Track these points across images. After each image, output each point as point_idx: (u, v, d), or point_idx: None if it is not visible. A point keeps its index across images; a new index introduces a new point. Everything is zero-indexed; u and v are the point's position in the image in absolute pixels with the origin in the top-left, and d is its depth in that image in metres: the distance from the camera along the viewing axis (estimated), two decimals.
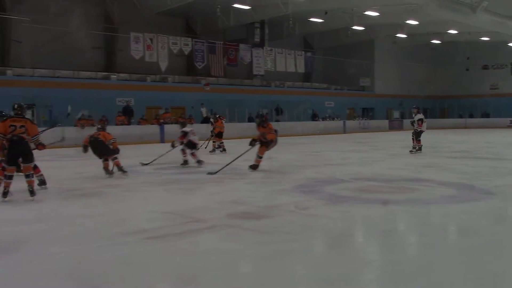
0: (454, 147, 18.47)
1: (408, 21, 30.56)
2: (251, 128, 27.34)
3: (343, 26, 31.77)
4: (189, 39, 28.16)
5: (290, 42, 34.31)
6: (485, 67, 41.18)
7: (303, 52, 34.23)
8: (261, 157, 10.74)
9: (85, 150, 10.21)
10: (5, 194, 7.35)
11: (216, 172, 10.13)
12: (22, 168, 7.68)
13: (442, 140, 23.10)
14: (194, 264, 4.33)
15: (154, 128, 23.23)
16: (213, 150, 16.38)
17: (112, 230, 5.54)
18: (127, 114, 23.98)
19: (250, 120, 28.97)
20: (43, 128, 11.35)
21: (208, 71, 29.17)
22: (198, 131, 17.90)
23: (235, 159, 10.73)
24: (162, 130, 23.08)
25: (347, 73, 37.54)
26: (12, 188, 7.47)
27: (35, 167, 8.17)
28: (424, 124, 15.37)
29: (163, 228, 5.61)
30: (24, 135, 7.49)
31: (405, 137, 15.75)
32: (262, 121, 11.13)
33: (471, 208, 6.75)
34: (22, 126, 7.47)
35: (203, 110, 25.69)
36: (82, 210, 6.82)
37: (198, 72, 29.27)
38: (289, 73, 33.11)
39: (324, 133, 29.86)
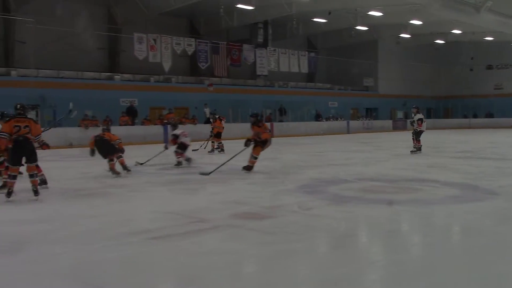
0: (458, 147, 18.42)
1: (411, 21, 30.52)
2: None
3: (347, 26, 31.74)
4: (193, 39, 28.20)
5: (294, 42, 34.29)
6: (489, 67, 41.09)
7: (306, 52, 34.21)
8: (256, 158, 10.52)
9: (93, 153, 10.36)
10: (9, 194, 7.37)
11: (210, 173, 10.09)
12: (26, 168, 7.70)
13: (446, 140, 23.05)
14: (198, 264, 4.33)
15: (157, 129, 23.26)
16: (212, 151, 16.38)
17: (116, 230, 5.55)
18: (130, 115, 24.03)
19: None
20: (45, 128, 11.39)
21: (212, 72, 29.20)
22: (201, 131, 18.05)
23: (229, 159, 10.71)
24: (165, 130, 23.06)
25: (351, 73, 37.51)
26: (15, 188, 7.49)
27: (37, 167, 8.19)
28: (424, 124, 15.32)
29: (166, 228, 5.61)
30: (29, 135, 7.52)
31: (408, 137, 15.70)
32: (257, 120, 10.91)
33: (475, 208, 6.73)
34: (27, 126, 7.51)
35: (207, 111, 25.71)
36: (85, 210, 6.83)
37: (201, 72, 29.30)
38: (292, 73, 33.11)
39: (328, 133, 29.84)
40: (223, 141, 16.75)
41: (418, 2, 26.39)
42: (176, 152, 12.05)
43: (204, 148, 16.83)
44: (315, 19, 30.55)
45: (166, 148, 12.18)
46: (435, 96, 42.89)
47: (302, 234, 5.35)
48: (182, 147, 12.02)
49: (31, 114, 20.44)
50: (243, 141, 10.74)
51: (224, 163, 10.48)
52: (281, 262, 4.36)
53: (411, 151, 14.90)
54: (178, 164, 11.96)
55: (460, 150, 16.60)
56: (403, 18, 30.15)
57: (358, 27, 31.93)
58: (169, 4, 25.23)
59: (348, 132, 31.97)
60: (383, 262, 4.50)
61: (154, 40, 26.07)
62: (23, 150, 7.46)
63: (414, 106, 16.39)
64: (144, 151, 12.38)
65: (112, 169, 10.25)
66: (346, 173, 10.33)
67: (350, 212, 6.41)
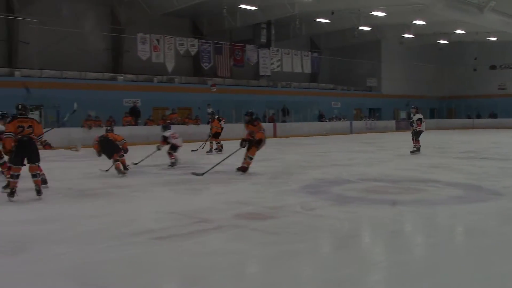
0: (462, 147, 18.40)
1: (415, 21, 30.46)
2: None
3: (350, 26, 31.69)
4: (196, 39, 28.22)
5: (297, 43, 34.27)
6: (493, 67, 40.99)
7: (309, 53, 34.18)
8: (252, 159, 10.38)
9: (100, 154, 10.50)
10: (13, 193, 7.40)
11: (203, 174, 10.08)
12: (29, 167, 7.73)
13: (449, 140, 23.02)
14: (201, 265, 4.34)
15: (160, 129, 23.24)
16: (210, 151, 16.35)
17: (119, 230, 5.56)
18: (134, 115, 24.05)
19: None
20: (47, 129, 11.44)
21: (215, 72, 29.20)
22: (205, 131, 18.03)
23: (222, 160, 10.72)
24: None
25: (354, 74, 37.47)
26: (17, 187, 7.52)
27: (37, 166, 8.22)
28: (423, 124, 15.30)
29: (170, 228, 5.62)
30: (33, 135, 7.56)
31: (410, 137, 15.65)
32: (252, 119, 10.66)
33: (479, 208, 6.71)
34: (30, 126, 7.55)
35: (209, 111, 25.71)
36: (89, 210, 6.85)
37: (204, 72, 29.31)
38: (295, 74, 33.09)
39: (331, 134, 29.81)
40: (224, 141, 16.74)
41: (421, 2, 26.34)
42: (169, 153, 12.10)
43: (202, 148, 16.83)
44: (318, 19, 30.53)
45: (158, 149, 12.17)
46: (439, 96, 42.81)
47: (305, 234, 5.35)
48: (174, 148, 12.08)
49: (34, 115, 20.55)
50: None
51: (217, 164, 10.48)
52: (284, 263, 4.36)
53: (411, 152, 14.89)
54: (172, 164, 12.00)
55: (463, 151, 16.57)
56: (407, 18, 30.10)
57: (361, 27, 31.89)
58: (172, 4, 25.24)
59: (351, 132, 31.93)
60: (386, 262, 4.50)
61: (157, 40, 26.09)
62: (27, 150, 7.50)
63: (413, 106, 16.36)
64: (147, 152, 12.39)
65: (117, 169, 10.32)
66: (349, 174, 10.32)
67: (353, 213, 6.41)
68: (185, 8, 25.73)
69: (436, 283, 3.86)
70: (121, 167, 10.40)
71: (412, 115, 15.67)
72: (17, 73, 22.35)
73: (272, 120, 29.80)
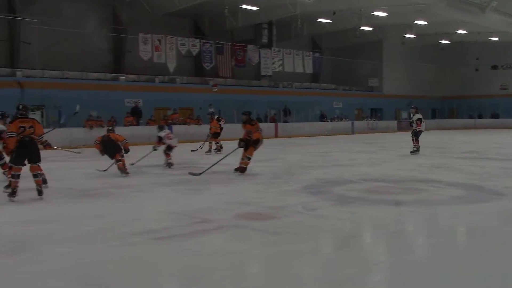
0: (463, 147, 18.37)
1: (416, 21, 30.44)
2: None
3: (351, 26, 31.67)
4: (197, 40, 28.23)
5: (298, 43, 34.26)
6: (495, 67, 40.93)
7: (311, 53, 34.16)
8: (250, 159, 10.30)
9: (103, 154, 10.57)
10: (14, 193, 7.42)
11: (200, 174, 10.08)
12: (30, 167, 7.75)
13: (451, 140, 22.99)
14: (202, 265, 4.33)
15: (156, 129, 23.25)
16: (209, 151, 16.31)
17: (120, 230, 5.56)
18: (135, 115, 24.07)
19: (258, 121, 28.94)
20: (49, 129, 11.49)
21: (216, 72, 29.21)
22: (206, 131, 18.01)
23: (220, 160, 10.72)
24: (170, 130, 23.10)
25: (355, 74, 37.46)
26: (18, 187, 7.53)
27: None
28: (423, 124, 15.28)
29: (171, 228, 5.62)
30: (34, 136, 7.59)
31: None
32: (250, 119, 10.55)
33: (480, 209, 6.70)
34: (31, 126, 7.58)
35: (212, 111, 25.73)
36: (90, 211, 6.85)
37: (206, 73, 29.32)
38: (297, 74, 33.07)
39: (332, 134, 29.81)
40: (225, 141, 16.72)
41: (423, 2, 26.31)
42: (166, 153, 12.12)
43: (201, 148, 16.82)
44: (319, 20, 30.52)
45: (154, 149, 12.16)
46: (440, 96, 42.78)
47: (307, 234, 5.34)
48: (170, 148, 12.12)
49: (36, 115, 20.58)
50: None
51: (214, 164, 10.48)
52: (286, 263, 4.35)
53: (411, 152, 14.87)
54: (169, 164, 12.03)
55: (465, 151, 16.55)
56: (408, 18, 30.08)
57: (363, 28, 31.87)
58: (174, 4, 25.27)
59: (352, 132, 31.92)
60: (387, 263, 4.49)
61: (159, 40, 26.11)
62: (28, 150, 7.52)
63: (412, 106, 16.35)
64: (149, 152, 12.41)
65: (120, 169, 10.36)
66: (351, 174, 10.31)
67: (354, 213, 6.40)
68: (186, 8, 25.76)
69: (437, 283, 3.85)
70: (124, 167, 10.42)
71: (411, 115, 15.65)
72: (18, 73, 22.37)
73: (273, 120, 29.81)
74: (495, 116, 39.00)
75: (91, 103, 21.91)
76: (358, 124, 33.64)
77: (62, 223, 6.07)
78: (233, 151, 10.72)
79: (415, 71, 39.40)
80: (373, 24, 31.61)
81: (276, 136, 27.42)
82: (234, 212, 6.45)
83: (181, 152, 16.04)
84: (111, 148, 10.55)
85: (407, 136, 15.57)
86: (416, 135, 15.09)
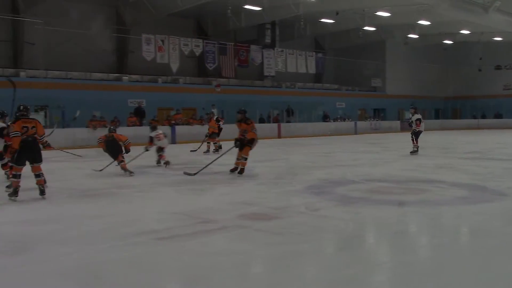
0: (467, 148, 18.34)
1: (419, 22, 30.36)
2: (262, 129, 27.35)
3: (354, 26, 31.63)
4: (200, 40, 28.24)
5: (301, 43, 34.25)
6: (498, 68, 40.80)
7: (314, 53, 34.13)
8: (246, 159, 10.20)
9: (106, 151, 10.73)
10: (16, 193, 7.46)
11: (195, 174, 10.09)
12: (32, 167, 7.80)
13: (454, 140, 22.95)
14: (205, 265, 4.34)
15: (165, 129, 23.26)
16: (207, 151, 16.27)
17: (123, 230, 5.57)
18: (138, 115, 24.10)
19: (261, 121, 29.01)
20: (51, 129, 11.58)
21: (219, 72, 29.22)
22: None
23: (215, 160, 10.77)
24: (173, 131, 23.17)
25: (358, 74, 37.41)
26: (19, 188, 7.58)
27: None
28: (422, 124, 15.26)
29: (173, 228, 5.63)
30: (36, 136, 7.65)
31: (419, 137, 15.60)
32: (245, 117, 10.47)
33: (483, 209, 6.69)
34: (34, 127, 7.65)
35: (214, 111, 25.76)
36: (92, 211, 6.86)
37: (209, 73, 29.33)
38: (300, 74, 33.06)
39: (335, 134, 29.78)
40: (226, 142, 16.68)
41: (426, 2, 26.27)
42: (159, 155, 12.18)
43: (198, 148, 16.79)
44: (322, 20, 30.49)
45: (146, 150, 12.18)
46: (443, 96, 42.69)
47: (310, 235, 5.35)
48: (161, 149, 12.19)
49: (40, 115, 20.65)
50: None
51: (209, 164, 10.50)
52: (289, 263, 4.36)
53: (411, 152, 14.85)
54: (166, 164, 12.07)
55: (468, 151, 16.53)
56: (411, 19, 30.01)
57: (366, 28, 31.82)
58: (177, 5, 25.27)
59: (355, 133, 31.89)
60: (390, 263, 4.50)
61: (162, 41, 26.13)
62: (31, 151, 7.58)
63: (411, 106, 16.32)
64: (152, 152, 12.42)
65: (124, 169, 10.48)
66: (354, 174, 10.31)
67: (357, 213, 6.40)
68: (189, 8, 25.76)
69: (440, 283, 3.85)
70: (127, 167, 10.50)
71: (410, 115, 15.64)
72: (22, 73, 22.42)
73: (276, 120, 29.81)
74: (498, 116, 38.91)
75: (95, 104, 21.97)
76: (361, 124, 33.60)
77: (64, 223, 6.08)
78: (228, 150, 10.73)
79: (418, 71, 39.33)
80: (376, 24, 31.55)
81: (279, 136, 27.42)
82: (237, 212, 6.46)
83: (182, 152, 16.10)
84: (114, 148, 10.64)
85: (410, 136, 15.50)
86: (415, 135, 15.07)
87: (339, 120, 33.41)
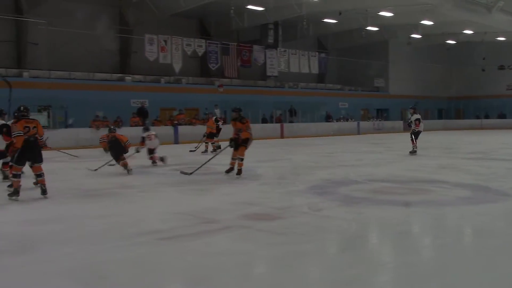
0: (470, 148, 18.31)
1: (423, 22, 30.33)
2: (265, 129, 27.46)
3: (357, 26, 31.62)
4: (203, 40, 28.25)
5: (304, 43, 34.23)
6: (501, 68, 40.70)
7: (317, 53, 34.11)
8: (242, 159, 10.01)
9: (107, 151, 10.85)
10: (17, 193, 7.50)
11: (192, 173, 10.10)
12: (32, 168, 7.85)
13: (457, 141, 22.91)
14: (208, 265, 4.34)
15: (168, 129, 23.34)
16: (205, 151, 16.22)
17: (126, 230, 5.58)
18: (141, 115, 24.11)
19: (264, 121, 29.02)
20: (45, 136, 11.70)
21: (222, 72, 29.23)
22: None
23: (210, 159, 10.78)
24: (176, 131, 23.19)
25: (361, 74, 37.36)
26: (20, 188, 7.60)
27: None
28: (421, 124, 15.25)
29: (176, 228, 5.63)
30: (37, 136, 7.71)
31: (419, 137, 15.58)
32: (240, 116, 10.24)
33: (487, 209, 6.68)
34: (35, 127, 7.72)
35: (217, 112, 25.78)
36: (95, 211, 6.87)
37: (212, 73, 29.34)
38: (302, 74, 33.04)
39: (338, 134, 29.76)
40: (225, 142, 16.66)
41: (429, 2, 26.23)
42: (150, 156, 12.19)
43: (196, 148, 16.77)
44: (325, 20, 30.48)
45: (137, 151, 12.18)
46: (447, 96, 42.61)
47: (312, 235, 5.35)
48: (150, 151, 12.21)
49: (43, 115, 20.70)
50: (255, 142, 10.66)
51: (205, 163, 10.51)
52: (291, 263, 4.36)
53: (410, 152, 14.82)
54: (163, 159, 12.13)
55: (471, 151, 16.49)
56: (414, 19, 29.97)
57: (369, 28, 31.79)
58: (180, 5, 25.29)
59: (358, 133, 31.86)
60: (394, 263, 4.49)
61: (165, 41, 26.15)
62: (33, 150, 7.64)
63: (411, 106, 16.33)
64: (131, 153, 12.45)
65: (125, 167, 10.57)
66: (357, 174, 10.29)
67: (360, 213, 6.39)
68: (192, 9, 25.78)
69: (444, 284, 3.84)
70: (129, 165, 10.58)
71: (409, 115, 15.62)
72: (25, 74, 22.48)
73: (279, 120, 29.80)
74: (502, 116, 38.81)
75: (97, 104, 22.01)
76: (364, 124, 33.57)
77: (67, 223, 6.09)
78: (222, 150, 10.72)
79: (421, 72, 39.28)
80: (379, 24, 31.52)
81: (282, 136, 27.42)
82: (239, 212, 6.46)
83: (184, 153, 16.12)
84: (117, 149, 10.71)
85: None
86: (415, 135, 15.05)
87: (342, 120, 33.40)
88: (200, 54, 28.00)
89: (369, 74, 37.20)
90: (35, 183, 8.49)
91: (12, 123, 7.77)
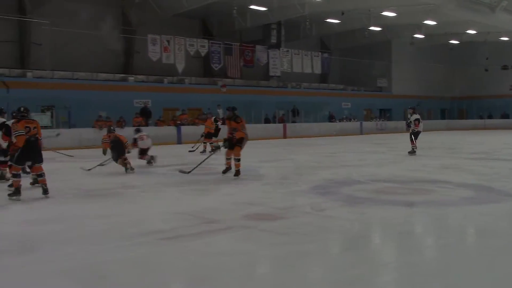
0: (473, 148, 18.26)
1: (425, 22, 30.31)
2: (267, 129, 27.47)
3: (360, 26, 31.59)
4: (206, 40, 28.28)
5: (307, 43, 34.23)
6: (505, 67, 40.58)
7: (319, 53, 34.12)
8: (239, 160, 9.86)
9: (106, 153, 10.90)
10: (19, 192, 7.51)
11: (189, 172, 10.10)
12: (33, 168, 7.89)
13: (460, 141, 22.87)
14: (209, 265, 4.34)
15: (171, 130, 23.37)
16: (204, 151, 16.21)
17: (128, 230, 5.57)
18: (144, 115, 24.16)
19: (267, 121, 29.02)
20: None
21: (225, 73, 29.25)
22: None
23: (206, 158, 10.82)
24: (179, 131, 23.22)
25: (364, 74, 37.34)
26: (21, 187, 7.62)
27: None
28: (421, 125, 15.22)
29: (178, 228, 5.63)
30: (38, 136, 7.77)
31: (422, 138, 15.58)
32: (235, 115, 10.10)
33: (490, 210, 6.66)
34: (35, 127, 7.77)
35: (220, 112, 25.79)
36: (96, 211, 6.87)
37: (214, 73, 29.37)
38: (305, 74, 33.04)
39: (341, 134, 29.74)
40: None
41: (432, 2, 26.20)
42: (140, 157, 12.22)
43: (193, 147, 16.76)
44: (328, 20, 30.48)
45: (128, 152, 12.19)
46: (450, 96, 42.54)
47: (315, 235, 5.34)
48: (141, 151, 12.23)
49: (46, 115, 20.75)
50: (255, 142, 10.68)
51: (201, 162, 10.51)
52: (294, 263, 4.35)
53: (409, 152, 14.79)
54: (152, 158, 12.19)
55: (474, 151, 16.45)
56: (417, 19, 29.95)
57: (372, 28, 31.77)
58: (183, 5, 25.33)
59: (361, 133, 31.84)
60: (396, 263, 4.48)
61: (168, 41, 26.18)
62: (34, 151, 7.68)
63: (410, 106, 16.28)
64: (157, 152, 12.46)
65: (127, 166, 10.61)
66: (359, 174, 10.28)
67: (363, 214, 6.38)
68: (195, 9, 25.82)
69: (447, 284, 3.83)
70: (130, 165, 10.71)
71: (409, 115, 15.58)
72: (29, 74, 22.54)
73: (282, 120, 29.80)
74: (505, 116, 38.74)
75: (101, 104, 22.06)
76: (366, 124, 33.54)
77: (68, 223, 6.09)
78: (217, 149, 10.73)
79: (424, 72, 39.23)
80: (382, 24, 31.50)
81: (285, 136, 27.42)
82: (242, 212, 6.45)
83: (184, 153, 16.13)
84: (119, 149, 10.77)
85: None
86: (414, 135, 15.04)
87: (344, 120, 33.38)
88: (203, 54, 28.03)
89: (372, 74, 37.17)
90: (32, 183, 8.54)
91: (13, 123, 7.80)
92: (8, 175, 8.63)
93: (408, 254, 4.71)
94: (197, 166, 10.31)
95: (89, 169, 10.90)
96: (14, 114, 7.99)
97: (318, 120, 31.43)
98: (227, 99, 26.62)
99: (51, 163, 10.89)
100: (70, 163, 13.70)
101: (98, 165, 11.03)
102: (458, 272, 4.08)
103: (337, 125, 31.73)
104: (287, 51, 31.66)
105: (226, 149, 9.97)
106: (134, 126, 22.32)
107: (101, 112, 22.11)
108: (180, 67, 26.80)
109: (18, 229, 5.85)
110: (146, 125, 23.65)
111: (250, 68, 30.62)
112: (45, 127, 18.47)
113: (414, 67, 38.75)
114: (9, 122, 8.20)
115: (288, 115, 31.01)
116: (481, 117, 39.38)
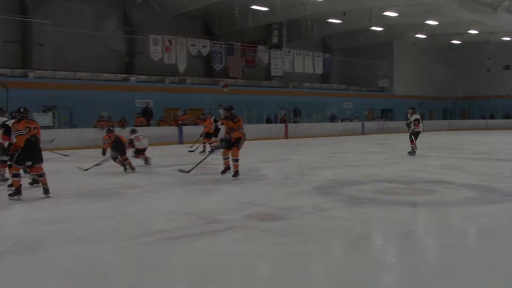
0: (475, 148, 18.24)
1: (428, 22, 30.25)
2: (269, 129, 27.45)
3: (362, 26, 31.57)
4: (207, 40, 28.28)
5: (308, 43, 34.20)
6: (507, 68, 40.52)
7: (321, 53, 34.11)
8: (237, 160, 9.78)
9: (105, 153, 10.93)
10: (20, 192, 7.52)
11: (189, 171, 10.11)
12: (33, 168, 7.90)
13: (462, 141, 22.84)
14: (212, 265, 4.34)
15: (172, 130, 23.37)
16: (203, 151, 16.18)
17: (131, 230, 5.58)
18: (146, 116, 24.18)
19: (268, 121, 29.02)
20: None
21: (226, 73, 29.26)
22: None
23: (205, 157, 10.85)
24: (180, 131, 23.22)
25: (366, 74, 37.29)
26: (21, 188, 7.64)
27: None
28: (421, 125, 15.21)
29: (181, 228, 5.63)
30: (38, 136, 7.79)
31: (424, 138, 15.58)
32: (232, 115, 9.94)
33: (492, 210, 6.65)
34: (35, 128, 7.80)
35: (221, 112, 25.77)
36: (100, 211, 6.88)
37: (216, 73, 29.37)
38: (307, 74, 33.03)
39: (343, 135, 29.72)
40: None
41: (434, 2, 26.17)
42: (134, 156, 12.20)
43: (191, 147, 16.74)
44: (329, 20, 30.45)
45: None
46: (452, 97, 42.48)
47: (317, 235, 5.34)
48: (137, 152, 12.22)
49: (48, 115, 20.77)
50: (256, 142, 10.68)
51: (201, 161, 10.51)
52: (296, 263, 4.35)
53: (409, 152, 14.77)
54: (146, 160, 12.20)
55: (477, 152, 16.44)
56: (419, 19, 29.90)
57: (373, 28, 31.74)
58: (184, 5, 25.34)
59: (363, 133, 31.80)
60: (398, 264, 4.48)
61: (169, 41, 26.19)
62: (34, 151, 7.70)
63: (410, 106, 16.24)
64: (159, 152, 12.48)
65: (128, 164, 10.74)
66: (361, 175, 10.28)
67: (365, 214, 6.38)
68: (197, 9, 25.83)
69: (449, 284, 3.83)
70: (131, 164, 10.82)
71: (409, 115, 15.56)
72: (31, 74, 22.57)
73: (283, 121, 29.79)
74: (507, 116, 38.66)
75: (102, 104, 22.07)
76: (368, 124, 33.49)
77: (72, 223, 6.10)
78: (215, 150, 10.73)
79: (426, 72, 39.18)
80: (384, 24, 31.47)
81: (286, 136, 27.40)
82: (244, 212, 6.46)
83: (186, 153, 16.13)
84: (120, 149, 10.80)
85: (418, 136, 15.42)
86: (414, 135, 15.02)
87: (346, 121, 33.35)
88: (204, 54, 28.03)
89: (373, 74, 37.12)
90: (31, 183, 8.55)
91: (13, 123, 7.81)
92: (7, 175, 8.64)
93: (410, 254, 4.71)
94: (196, 166, 10.32)
95: (86, 169, 10.90)
96: (13, 114, 7.99)
97: (320, 120, 31.38)
98: (228, 99, 26.54)
99: (54, 163, 10.91)
100: (70, 163, 13.71)
101: (95, 165, 11.02)
102: (461, 273, 4.08)
103: (338, 125, 31.69)
104: (289, 51, 31.66)
105: (223, 149, 9.93)
106: (136, 126, 22.40)
107: (103, 112, 22.13)
108: (181, 67, 26.81)
109: (20, 229, 5.86)
110: (148, 125, 23.69)
111: (252, 68, 30.62)
112: (47, 128, 18.52)
113: (416, 67, 38.70)
114: (9, 122, 8.20)
115: (289, 115, 30.99)
116: (483, 117, 39.31)
